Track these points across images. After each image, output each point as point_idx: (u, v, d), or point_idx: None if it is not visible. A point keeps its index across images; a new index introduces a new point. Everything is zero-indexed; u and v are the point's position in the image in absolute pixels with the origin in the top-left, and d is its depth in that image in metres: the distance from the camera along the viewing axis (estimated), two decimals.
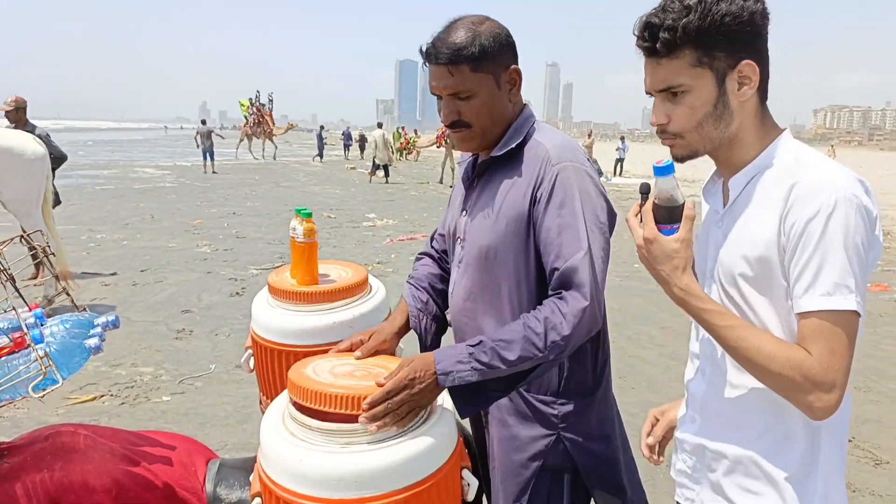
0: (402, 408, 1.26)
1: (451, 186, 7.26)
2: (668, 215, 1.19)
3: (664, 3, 1.15)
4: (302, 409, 1.29)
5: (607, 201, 1.48)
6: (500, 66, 1.47)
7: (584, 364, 1.52)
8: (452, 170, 20.11)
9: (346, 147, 35.56)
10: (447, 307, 1.72)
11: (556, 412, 1.51)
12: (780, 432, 1.16)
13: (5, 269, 1.52)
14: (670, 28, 1.12)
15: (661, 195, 1.19)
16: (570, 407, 1.51)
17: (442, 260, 1.81)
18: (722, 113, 1.17)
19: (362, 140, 31.95)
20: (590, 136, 26.72)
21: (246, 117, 30.45)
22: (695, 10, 1.11)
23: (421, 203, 14.78)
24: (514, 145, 1.50)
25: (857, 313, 1.05)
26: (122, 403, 3.81)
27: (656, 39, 1.14)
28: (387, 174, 19.89)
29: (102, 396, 3.89)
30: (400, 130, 25.35)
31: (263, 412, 1.97)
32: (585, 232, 1.38)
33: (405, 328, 1.68)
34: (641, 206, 1.23)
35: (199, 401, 3.92)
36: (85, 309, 1.65)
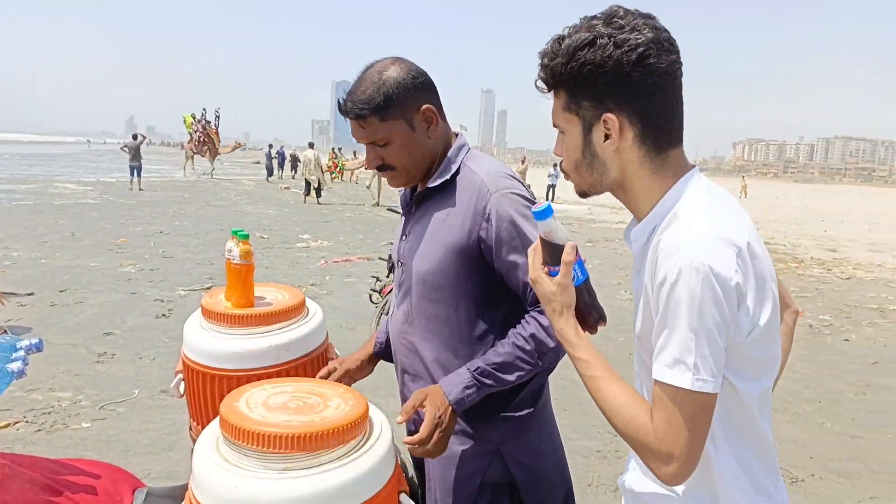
0: (439, 444, 1.43)
1: (389, 209, 7.28)
2: (552, 256, 1.15)
3: (552, 41, 1.11)
4: None
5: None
6: (410, 109, 1.51)
7: (522, 382, 1.55)
8: (374, 191, 20.17)
9: (280, 166, 35.10)
10: None
11: (496, 428, 1.56)
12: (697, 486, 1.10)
13: None
14: (545, 67, 1.12)
15: (544, 234, 1.16)
16: (509, 423, 1.56)
17: None
18: (591, 161, 1.13)
19: (295, 160, 31.44)
20: (523, 161, 27.33)
21: (190, 134, 29.20)
22: (562, 55, 1.08)
23: (356, 224, 14.70)
24: (447, 177, 1.55)
25: (694, 392, 0.97)
26: (39, 430, 3.62)
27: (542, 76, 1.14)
28: (318, 195, 19.75)
29: (17, 423, 3.68)
30: (337, 151, 25.16)
31: (193, 438, 1.93)
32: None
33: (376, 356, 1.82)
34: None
35: (122, 427, 3.76)
36: (5, 331, 1.58)
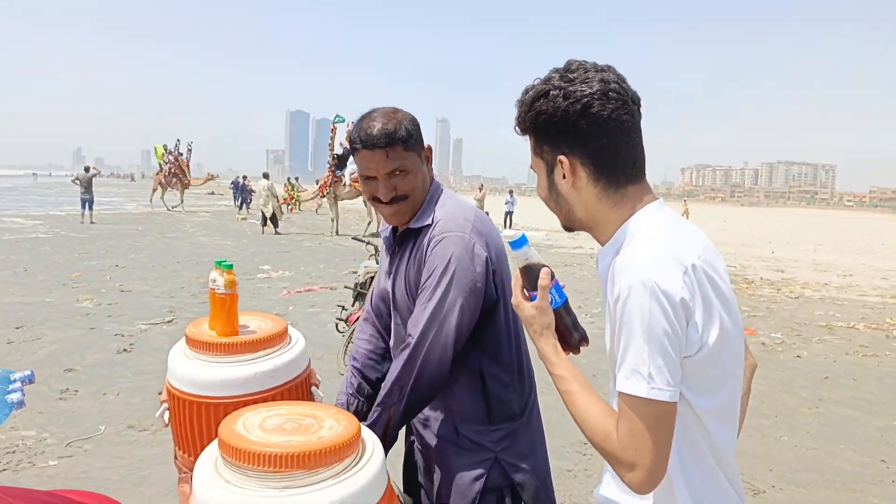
0: None
1: (355, 238, 7.35)
2: (530, 282, 1.25)
3: (522, 92, 1.23)
4: None
5: (488, 261, 1.63)
6: (420, 144, 1.68)
7: (507, 395, 1.71)
8: (333, 220, 20.20)
9: (236, 197, 34.80)
10: (380, 380, 1.92)
11: (490, 438, 1.69)
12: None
13: None
14: (517, 115, 1.25)
15: (521, 263, 1.27)
16: (501, 432, 1.69)
17: (379, 317, 1.97)
18: (557, 199, 1.24)
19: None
20: (480, 189, 27.66)
21: (160, 165, 28.42)
22: (524, 104, 1.21)
23: (317, 254, 14.64)
24: (427, 221, 1.67)
25: (652, 401, 1.03)
26: (4, 469, 3.54)
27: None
28: (276, 225, 19.66)
29: None
30: (293, 181, 25.06)
31: (179, 468, 1.96)
32: (443, 296, 1.57)
33: None
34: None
35: (90, 464, 3.70)
36: None
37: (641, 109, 1.23)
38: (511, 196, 27.33)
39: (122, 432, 4.20)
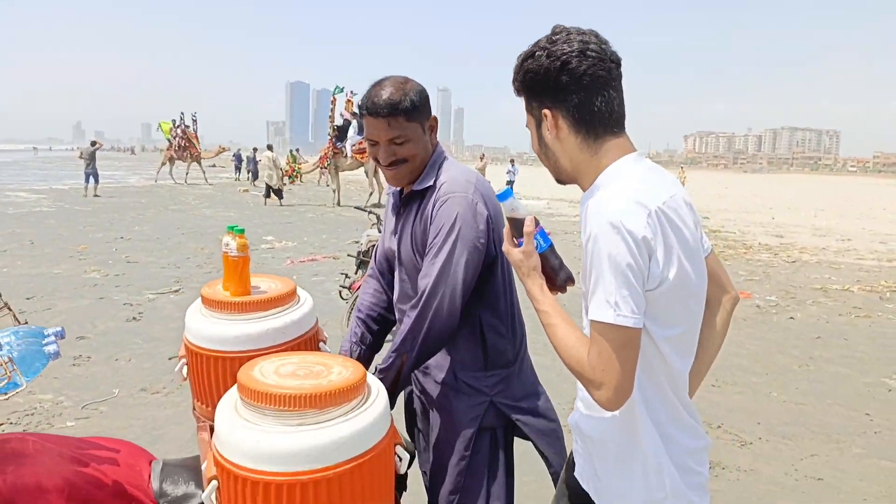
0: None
1: (357, 208, 7.46)
2: (517, 230, 1.40)
3: (518, 57, 1.39)
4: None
5: (489, 220, 1.79)
6: (424, 115, 1.81)
7: (501, 343, 1.87)
8: (335, 191, 20.30)
9: (237, 168, 34.87)
10: (382, 331, 2.11)
11: (485, 383, 1.85)
12: (624, 420, 1.34)
13: None
14: (512, 79, 1.40)
15: (508, 213, 1.43)
16: (496, 378, 1.85)
17: (382, 275, 2.12)
18: (546, 151, 1.40)
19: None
20: (482, 159, 27.67)
21: (169, 140, 27.97)
22: (518, 69, 1.37)
23: (319, 225, 14.78)
24: (430, 182, 1.82)
25: (617, 326, 1.17)
26: (24, 430, 3.72)
27: None
28: (280, 196, 19.77)
29: (1, 425, 3.77)
30: (294, 153, 25.04)
31: (197, 417, 2.11)
32: (450, 253, 1.72)
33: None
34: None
35: (106, 425, 3.88)
36: (27, 322, 1.74)
37: (621, 69, 1.35)
38: (512, 165, 27.30)
39: (135, 395, 4.38)
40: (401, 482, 1.70)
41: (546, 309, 1.34)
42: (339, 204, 19.80)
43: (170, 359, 5.14)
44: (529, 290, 1.38)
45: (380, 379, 1.72)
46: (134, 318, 6.28)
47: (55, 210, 16.44)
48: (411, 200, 1.88)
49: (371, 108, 1.75)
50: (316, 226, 14.64)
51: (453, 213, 1.73)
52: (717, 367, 5.38)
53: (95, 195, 20.27)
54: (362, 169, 20.60)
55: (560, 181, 1.45)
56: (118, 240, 11.45)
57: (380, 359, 1.94)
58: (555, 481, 1.82)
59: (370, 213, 6.65)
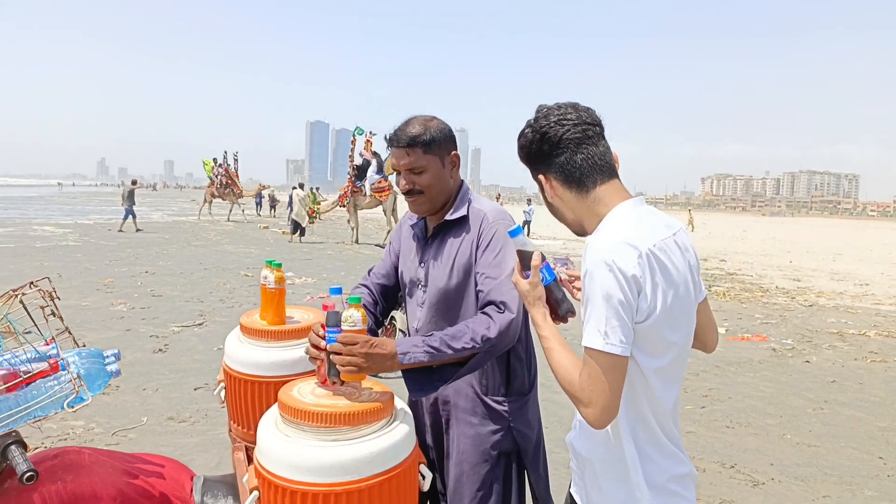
0: (354, 359, 1.62)
1: (378, 245, 7.64)
2: (524, 263, 1.57)
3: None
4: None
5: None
6: (444, 150, 1.97)
7: (521, 370, 2.00)
8: (353, 229, 20.64)
9: (258, 205, 35.54)
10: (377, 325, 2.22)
11: (506, 408, 1.96)
12: (609, 442, 1.50)
13: (52, 306, 1.78)
14: (520, 159, 1.63)
15: (518, 248, 1.61)
16: (515, 404, 1.97)
17: (373, 293, 2.23)
18: (553, 209, 1.59)
19: (273, 200, 31.63)
20: (498, 198, 28.12)
21: (211, 178, 28.46)
22: (518, 151, 1.60)
23: (338, 262, 15.01)
24: (463, 212, 1.98)
25: (606, 353, 1.32)
26: None
27: None
28: (302, 234, 20.14)
29: (36, 448, 3.92)
30: (314, 192, 25.51)
31: (232, 438, 2.26)
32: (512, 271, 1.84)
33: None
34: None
35: (135, 450, 4.00)
36: (84, 345, 1.92)
37: (601, 127, 1.54)
38: (529, 205, 27.59)
39: (163, 423, 4.52)
40: (423, 500, 1.83)
41: (546, 335, 1.51)
42: (357, 241, 20.09)
43: (195, 389, 5.29)
44: (534, 318, 1.55)
45: (448, 351, 1.74)
46: (160, 350, 6.46)
47: (81, 244, 16.85)
48: (444, 230, 2.02)
49: (393, 139, 1.95)
50: (335, 262, 14.87)
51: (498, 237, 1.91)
52: (732, 409, 5.44)
53: (137, 230, 21.17)
54: (380, 207, 20.94)
55: (577, 233, 1.63)
56: (143, 274, 11.72)
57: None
58: None
59: None
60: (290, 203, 21.64)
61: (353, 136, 21.42)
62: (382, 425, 1.64)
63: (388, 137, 1.98)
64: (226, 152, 29.14)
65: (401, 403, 1.78)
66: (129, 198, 21.83)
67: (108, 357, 1.75)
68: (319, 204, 22.65)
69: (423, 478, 1.74)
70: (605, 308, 1.33)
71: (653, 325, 1.38)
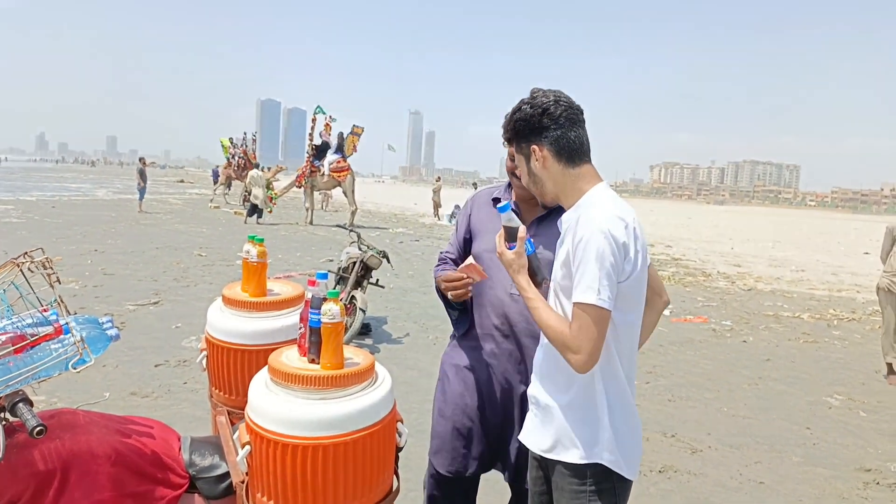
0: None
1: (343, 225, 7.70)
2: (510, 237, 1.82)
3: (505, 117, 1.85)
4: None
5: None
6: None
7: None
8: (308, 210, 20.52)
9: (215, 181, 35.20)
10: None
11: None
12: (575, 384, 1.72)
13: (56, 273, 1.87)
14: (503, 131, 1.87)
15: (504, 223, 1.83)
16: None
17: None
18: (535, 179, 1.80)
19: (228, 179, 30.83)
20: (438, 180, 28.93)
21: (228, 158, 26.93)
22: (507, 121, 1.82)
23: (292, 243, 14.97)
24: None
25: (597, 306, 1.55)
26: None
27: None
28: (260, 215, 19.93)
29: None
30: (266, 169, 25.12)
31: (213, 403, 2.39)
32: None
33: None
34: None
35: None
36: (76, 312, 2.02)
37: (584, 116, 1.79)
38: (475, 188, 27.97)
39: (125, 398, 4.58)
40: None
41: (532, 296, 1.74)
42: (311, 223, 20.00)
43: (156, 366, 5.34)
44: (519, 283, 1.77)
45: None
46: (117, 328, 6.43)
47: (25, 221, 16.34)
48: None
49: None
50: (289, 244, 14.82)
51: None
52: (674, 384, 5.77)
53: (140, 210, 20.85)
54: (339, 188, 20.88)
55: (545, 205, 1.83)
56: (92, 252, 11.50)
57: None
58: None
59: (351, 230, 6.93)
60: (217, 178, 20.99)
61: (315, 115, 21.22)
62: (365, 386, 1.81)
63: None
64: (245, 133, 27.68)
65: (382, 368, 1.94)
66: (142, 176, 21.71)
67: (104, 322, 1.86)
68: (275, 192, 22.12)
69: (401, 435, 1.92)
70: (598, 269, 1.56)
71: (630, 283, 1.63)
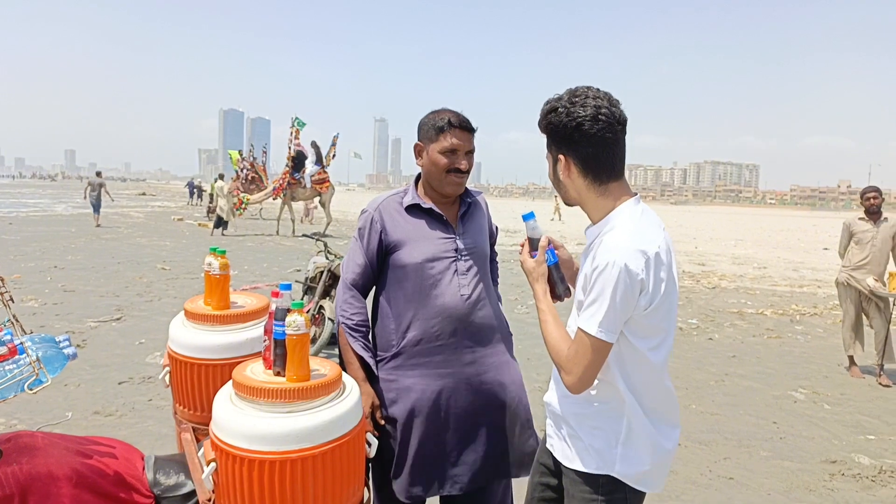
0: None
1: (310, 235, 7.62)
2: (532, 245, 1.80)
3: (544, 105, 1.70)
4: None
5: None
6: None
7: None
8: (293, 221, 20.40)
9: (191, 195, 35.60)
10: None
11: None
12: (590, 395, 1.69)
13: (7, 292, 1.81)
14: (538, 120, 1.71)
15: (528, 232, 1.81)
16: None
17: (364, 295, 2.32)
18: (558, 184, 1.73)
19: (200, 189, 30.48)
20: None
21: (237, 171, 25.42)
22: (542, 116, 1.68)
23: (258, 254, 14.80)
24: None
25: (596, 338, 1.52)
26: None
27: None
28: (225, 227, 19.71)
29: None
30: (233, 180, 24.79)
31: (178, 420, 2.33)
32: None
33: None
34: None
35: None
36: (32, 331, 1.96)
37: (625, 126, 1.66)
38: None
39: (88, 417, 4.46)
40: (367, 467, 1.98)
41: (544, 308, 1.73)
42: (294, 233, 19.77)
43: (119, 384, 5.22)
44: (536, 292, 1.76)
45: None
46: (79, 346, 6.27)
47: None
48: (472, 207, 2.41)
49: (463, 125, 2.20)
50: (256, 255, 14.65)
51: None
52: None
53: (97, 225, 20.48)
54: (318, 198, 20.78)
55: (568, 204, 1.80)
56: (52, 269, 11.23)
57: None
58: None
59: (318, 239, 6.87)
60: (207, 194, 20.96)
61: (294, 126, 21.06)
62: (333, 397, 1.78)
63: (453, 122, 2.16)
64: (252, 145, 26.83)
65: (350, 380, 1.92)
66: (96, 190, 21.37)
67: (61, 341, 1.81)
68: (248, 199, 21.80)
69: (370, 445, 1.90)
70: (607, 301, 1.51)
71: (650, 313, 1.56)
